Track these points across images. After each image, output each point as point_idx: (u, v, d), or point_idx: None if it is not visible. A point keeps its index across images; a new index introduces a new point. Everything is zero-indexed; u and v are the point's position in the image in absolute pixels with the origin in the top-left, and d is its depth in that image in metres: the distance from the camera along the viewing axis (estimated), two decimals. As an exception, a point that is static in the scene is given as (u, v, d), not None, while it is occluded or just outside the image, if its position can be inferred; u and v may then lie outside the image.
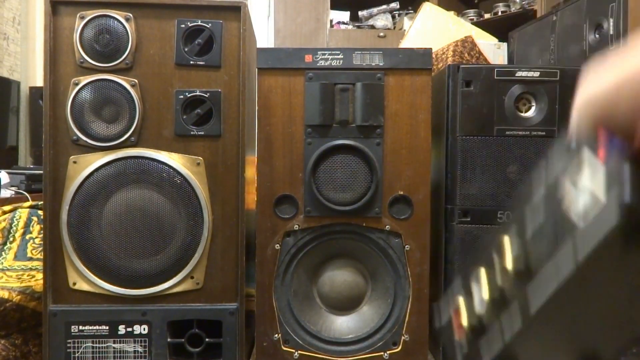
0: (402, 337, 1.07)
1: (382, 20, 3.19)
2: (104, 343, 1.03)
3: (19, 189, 1.60)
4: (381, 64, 1.04)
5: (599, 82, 0.21)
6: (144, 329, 1.03)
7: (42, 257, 1.08)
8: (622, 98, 0.20)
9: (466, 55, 1.46)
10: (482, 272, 0.21)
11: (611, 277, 0.18)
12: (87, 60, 1.01)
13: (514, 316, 0.19)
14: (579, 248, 0.17)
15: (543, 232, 0.18)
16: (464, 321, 0.21)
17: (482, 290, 0.20)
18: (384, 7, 3.22)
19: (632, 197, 0.16)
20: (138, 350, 1.03)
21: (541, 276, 0.18)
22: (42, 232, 1.16)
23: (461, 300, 0.22)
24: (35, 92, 2.37)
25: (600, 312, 0.21)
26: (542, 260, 0.18)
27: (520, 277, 0.19)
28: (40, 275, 1.14)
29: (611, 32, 1.17)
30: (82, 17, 1.01)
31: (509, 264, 0.19)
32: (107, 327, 1.03)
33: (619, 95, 0.20)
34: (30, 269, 1.23)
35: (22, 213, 1.36)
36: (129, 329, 1.03)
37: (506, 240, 0.20)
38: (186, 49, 1.03)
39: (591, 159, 0.17)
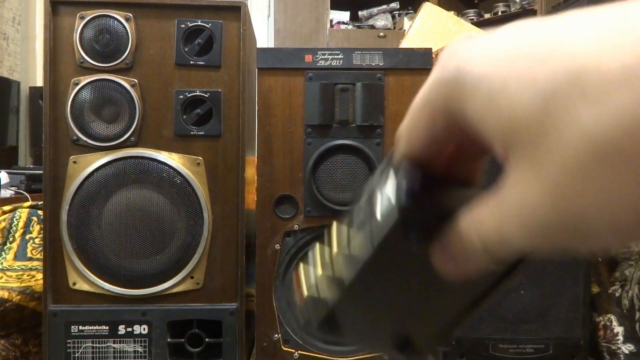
0: (402, 337, 1.07)
1: (382, 20, 3.19)
2: (104, 343, 1.03)
3: (18, 189, 1.60)
4: (381, 64, 1.04)
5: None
6: (144, 329, 1.03)
7: (42, 257, 1.08)
8: (412, 125, 0.24)
9: (466, 55, 1.46)
10: (318, 248, 0.26)
11: (402, 264, 0.24)
12: (87, 60, 1.01)
13: (334, 288, 0.25)
14: (374, 236, 0.23)
15: (362, 226, 0.24)
16: (305, 291, 0.27)
17: (317, 264, 0.26)
18: (384, 7, 3.22)
19: (407, 202, 0.22)
20: (138, 350, 1.03)
21: (352, 257, 0.24)
22: (42, 232, 1.16)
23: (303, 271, 0.27)
24: (35, 92, 2.37)
25: (405, 300, 0.26)
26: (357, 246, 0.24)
27: (344, 259, 0.25)
28: (40, 275, 1.14)
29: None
30: (82, 17, 1.01)
31: (336, 245, 0.25)
32: (107, 327, 1.03)
33: (409, 123, 0.24)
34: (30, 269, 1.23)
35: (22, 213, 1.36)
36: (129, 329, 1.03)
37: (337, 227, 0.25)
38: (186, 49, 1.03)
39: (391, 174, 0.23)
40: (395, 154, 0.25)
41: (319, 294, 0.26)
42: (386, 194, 0.22)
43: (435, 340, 0.28)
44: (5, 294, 1.05)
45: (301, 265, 0.28)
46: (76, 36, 1.01)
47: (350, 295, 0.24)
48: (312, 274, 0.26)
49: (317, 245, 0.26)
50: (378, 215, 0.23)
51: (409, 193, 0.22)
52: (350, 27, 3.22)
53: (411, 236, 0.22)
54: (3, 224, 1.33)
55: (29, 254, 1.30)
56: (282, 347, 1.06)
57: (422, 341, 0.28)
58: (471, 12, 3.06)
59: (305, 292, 0.26)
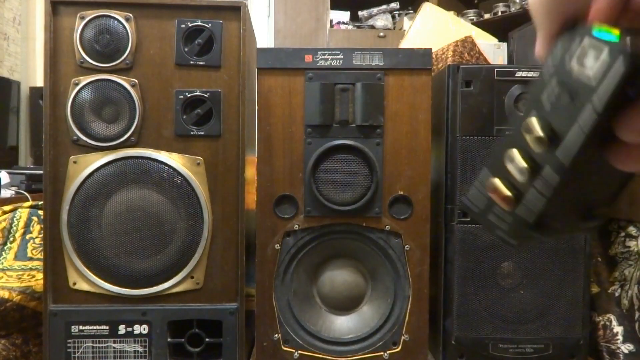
0: (402, 337, 1.07)
1: (382, 20, 3.19)
2: (104, 343, 1.03)
3: (19, 189, 1.60)
4: (381, 64, 1.04)
5: None
6: (144, 329, 1.03)
7: (42, 257, 1.08)
8: None
9: (466, 55, 1.47)
10: (514, 150, 0.25)
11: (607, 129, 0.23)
12: (87, 60, 1.01)
13: (549, 175, 0.24)
14: (596, 101, 0.21)
15: (560, 102, 0.23)
16: (506, 192, 0.25)
17: (518, 162, 0.24)
18: (384, 7, 3.22)
19: (632, 47, 0.20)
20: (138, 350, 1.03)
21: (569, 134, 0.22)
22: (42, 232, 1.16)
23: (496, 179, 0.26)
24: (35, 92, 2.37)
25: (598, 171, 0.25)
26: (565, 123, 0.22)
27: (549, 144, 0.23)
28: (40, 275, 1.14)
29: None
30: (82, 17, 1.01)
31: (539, 132, 0.23)
32: (107, 327, 1.03)
33: None
34: (31, 269, 1.23)
35: (22, 213, 1.36)
36: (129, 329, 1.03)
37: (533, 119, 0.24)
38: (186, 49, 1.03)
39: (593, 42, 0.22)
40: (580, 26, 0.23)
41: (526, 191, 0.25)
42: (593, 61, 0.21)
43: (607, 205, 0.28)
44: (6, 294, 1.05)
45: (492, 175, 0.26)
46: (76, 36, 1.01)
47: (568, 176, 0.24)
48: (516, 170, 0.25)
49: (513, 148, 0.25)
50: (592, 81, 0.21)
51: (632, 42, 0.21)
52: (350, 27, 3.22)
53: (633, 88, 0.21)
54: (3, 224, 1.33)
55: (29, 254, 1.30)
56: (282, 347, 1.06)
57: (601, 209, 0.28)
58: (471, 12, 3.06)
59: (508, 193, 0.25)
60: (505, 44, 1.69)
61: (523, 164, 0.24)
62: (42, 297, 1.04)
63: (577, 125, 0.22)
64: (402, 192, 1.06)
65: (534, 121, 0.23)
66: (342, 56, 1.05)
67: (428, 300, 1.08)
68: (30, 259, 1.29)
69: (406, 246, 1.06)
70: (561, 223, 0.27)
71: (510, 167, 0.25)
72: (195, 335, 1.05)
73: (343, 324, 1.09)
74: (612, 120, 0.23)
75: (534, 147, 0.24)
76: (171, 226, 1.03)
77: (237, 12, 1.04)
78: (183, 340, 1.05)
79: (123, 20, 1.02)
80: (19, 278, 1.16)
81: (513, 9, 2.91)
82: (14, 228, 1.33)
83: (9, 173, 1.66)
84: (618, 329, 1.15)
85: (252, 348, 1.16)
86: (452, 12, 2.22)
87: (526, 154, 0.24)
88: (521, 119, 0.24)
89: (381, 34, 3.08)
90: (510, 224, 0.26)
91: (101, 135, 1.02)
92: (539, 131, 0.23)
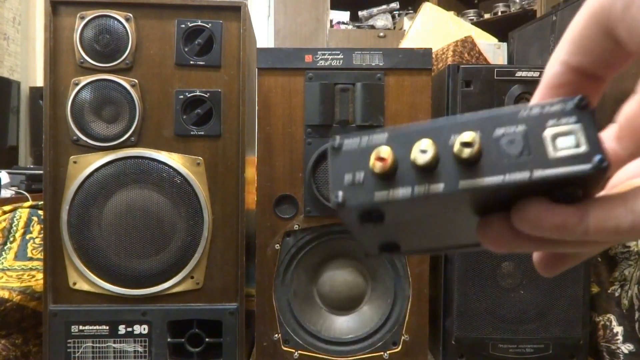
0: (402, 337, 1.07)
1: (382, 20, 3.19)
2: (104, 343, 1.03)
3: (19, 189, 1.60)
4: (381, 64, 1.04)
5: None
6: (144, 329, 1.03)
7: (42, 257, 1.08)
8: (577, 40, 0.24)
9: (466, 55, 1.47)
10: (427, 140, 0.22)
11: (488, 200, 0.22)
12: (87, 60, 1.01)
13: (435, 186, 0.21)
14: (538, 169, 0.20)
15: (508, 146, 0.21)
16: (390, 160, 0.22)
17: (427, 153, 0.21)
18: (384, 7, 3.22)
19: (603, 165, 0.20)
20: (138, 350, 1.03)
21: (490, 177, 0.21)
22: (42, 232, 1.16)
23: (388, 147, 0.23)
24: (35, 92, 2.37)
25: (429, 223, 0.25)
26: (496, 167, 0.21)
27: (466, 163, 0.21)
28: (40, 275, 1.14)
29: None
30: (82, 17, 1.01)
31: (468, 151, 0.21)
32: (107, 327, 1.03)
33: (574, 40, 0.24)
34: (31, 269, 1.23)
35: (22, 213, 1.36)
36: (129, 329, 1.03)
37: (473, 134, 0.21)
38: (186, 49, 1.03)
39: (574, 119, 0.21)
40: (573, 101, 0.21)
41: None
42: (572, 132, 0.20)
43: (415, 253, 0.28)
44: (6, 294, 1.05)
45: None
46: (76, 36, 1.01)
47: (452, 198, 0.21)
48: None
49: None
50: (553, 150, 0.20)
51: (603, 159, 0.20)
52: (350, 27, 3.22)
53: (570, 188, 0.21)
54: (3, 224, 1.33)
55: (29, 254, 1.30)
56: (282, 347, 1.06)
57: (405, 251, 0.27)
58: (471, 12, 3.06)
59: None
60: (505, 44, 1.69)
61: (428, 157, 0.21)
62: (42, 297, 1.04)
63: (502, 176, 0.21)
64: (402, 192, 1.06)
65: (473, 137, 0.21)
66: (342, 56, 1.05)
67: (428, 300, 1.08)
68: (30, 259, 1.29)
69: (406, 246, 1.06)
70: (378, 235, 0.25)
71: (414, 148, 0.22)
72: (195, 335, 1.05)
73: (343, 324, 1.09)
74: (516, 202, 0.22)
75: (450, 155, 0.21)
76: (171, 226, 1.03)
77: (237, 12, 1.04)
78: (183, 340, 1.05)
79: (123, 20, 1.02)
80: (19, 278, 1.16)
81: (513, 9, 2.91)
82: (14, 228, 1.33)
83: (9, 173, 1.66)
84: (618, 329, 1.15)
85: (252, 348, 1.16)
86: (452, 12, 2.22)
87: (436, 152, 0.21)
88: (458, 123, 0.22)
89: (381, 34, 3.08)
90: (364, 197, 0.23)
91: (101, 135, 1.02)
92: (469, 150, 0.21)
